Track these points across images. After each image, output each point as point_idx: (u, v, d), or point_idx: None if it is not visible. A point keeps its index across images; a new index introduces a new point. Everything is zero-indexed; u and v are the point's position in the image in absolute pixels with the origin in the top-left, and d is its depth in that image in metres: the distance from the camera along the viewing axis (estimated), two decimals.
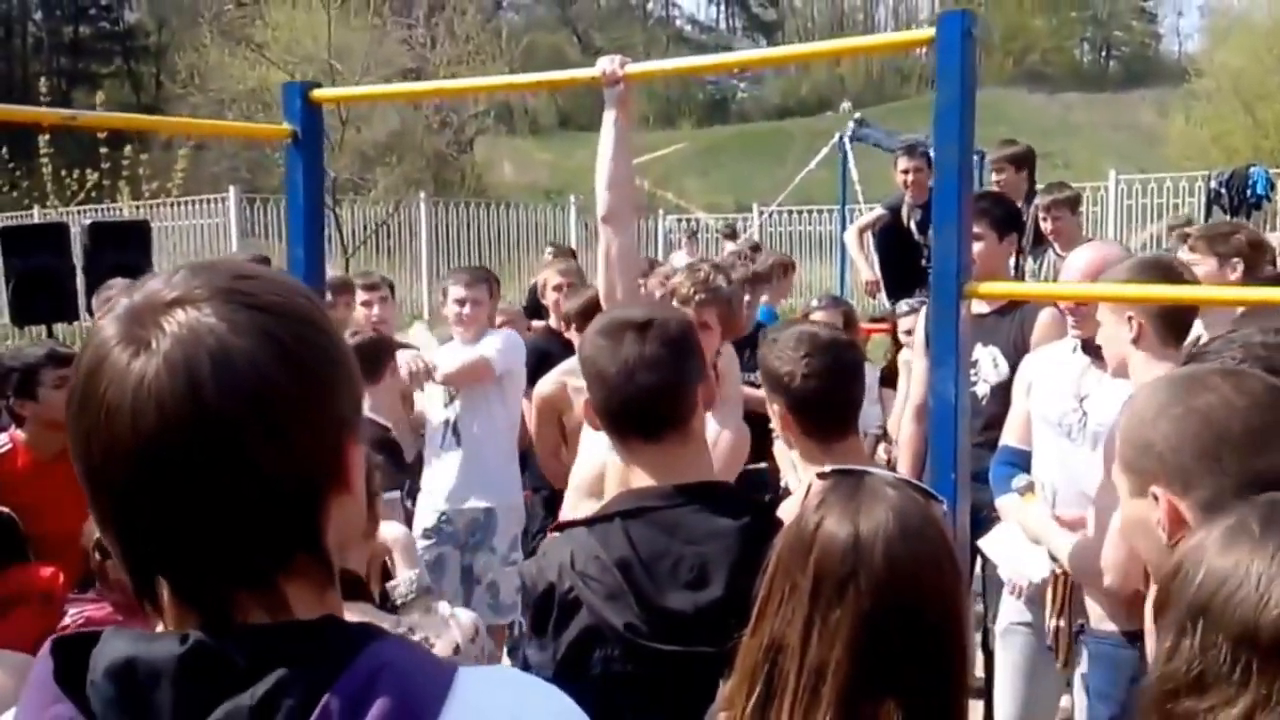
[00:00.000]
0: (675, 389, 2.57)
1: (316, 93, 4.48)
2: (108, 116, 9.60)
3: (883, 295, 9.68)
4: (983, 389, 5.12)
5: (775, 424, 3.18)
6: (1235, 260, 5.04)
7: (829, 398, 3.05)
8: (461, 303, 5.98)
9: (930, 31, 3.23)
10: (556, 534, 2.64)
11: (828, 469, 2.08)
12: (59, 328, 10.16)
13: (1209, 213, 17.08)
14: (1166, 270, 3.68)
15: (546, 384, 5.43)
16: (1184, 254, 5.20)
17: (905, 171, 8.56)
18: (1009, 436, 4.42)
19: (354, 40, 29.21)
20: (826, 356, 3.05)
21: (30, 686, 1.17)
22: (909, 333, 6.35)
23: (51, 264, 9.67)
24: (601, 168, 4.01)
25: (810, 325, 3.38)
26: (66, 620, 4.07)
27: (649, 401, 2.55)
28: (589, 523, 2.60)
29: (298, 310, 1.20)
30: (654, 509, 2.52)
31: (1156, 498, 1.93)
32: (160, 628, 1.19)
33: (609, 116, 3.99)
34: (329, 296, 6.09)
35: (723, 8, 78.18)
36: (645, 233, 22.32)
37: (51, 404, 4.50)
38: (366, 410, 4.83)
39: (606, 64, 3.95)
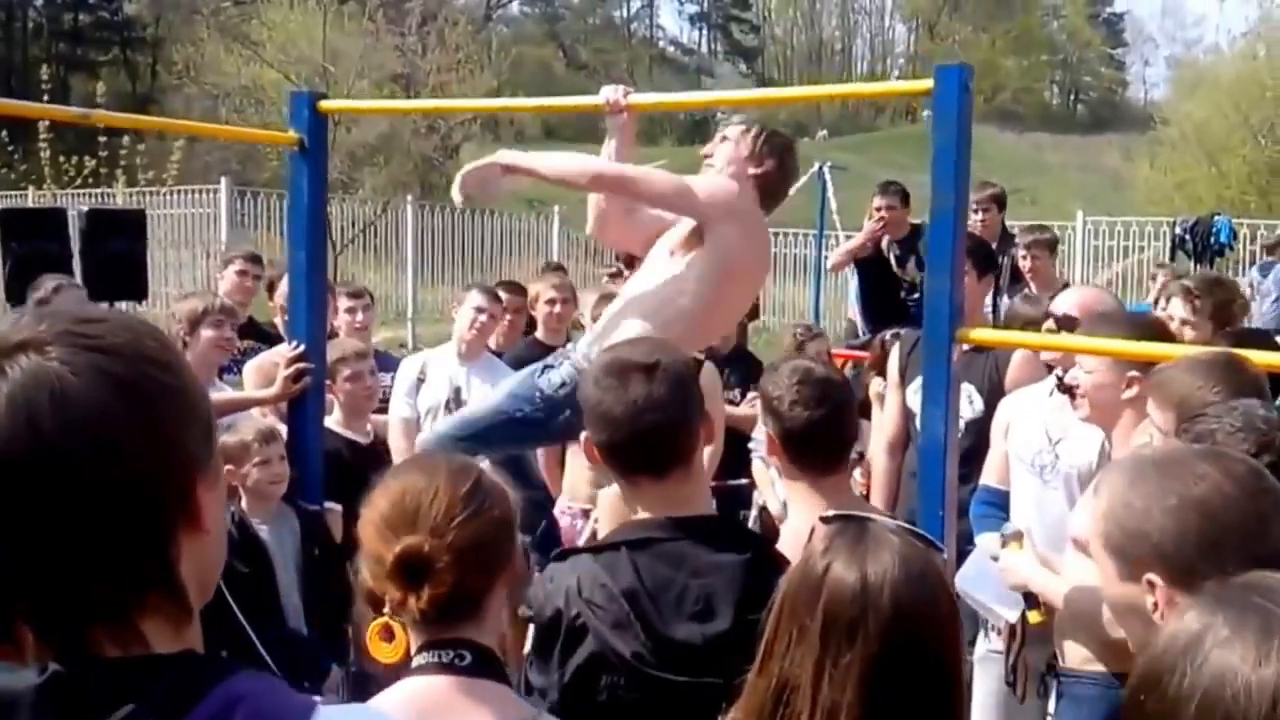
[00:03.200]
0: (680, 428, 2.63)
1: (324, 103, 4.60)
2: (120, 116, 9.81)
3: (857, 318, 9.68)
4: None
5: (764, 448, 3.27)
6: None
7: (817, 431, 3.08)
8: (480, 311, 6.05)
9: (928, 83, 3.40)
10: (561, 561, 2.65)
11: (830, 513, 2.12)
12: None
13: (1173, 258, 17.61)
14: (1164, 333, 3.79)
15: None
16: (1178, 308, 5.14)
17: (879, 209, 8.53)
18: (988, 476, 4.49)
19: (347, 45, 29.43)
20: (818, 391, 3.09)
21: None
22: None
23: (49, 248, 9.68)
24: (596, 195, 4.23)
25: (809, 361, 3.49)
26: None
27: (655, 441, 2.60)
28: (594, 550, 2.64)
29: (142, 351, 1.23)
30: (659, 540, 2.55)
31: (1153, 585, 1.95)
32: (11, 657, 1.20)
33: (609, 145, 4.14)
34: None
35: (705, 31, 78.65)
36: None
37: None
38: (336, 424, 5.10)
39: (610, 93, 4.09)
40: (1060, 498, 4.11)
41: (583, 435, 2.73)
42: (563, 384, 3.91)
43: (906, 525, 2.14)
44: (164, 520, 1.21)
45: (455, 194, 3.94)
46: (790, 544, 2.76)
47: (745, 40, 74.85)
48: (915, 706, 1.90)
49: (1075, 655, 3.58)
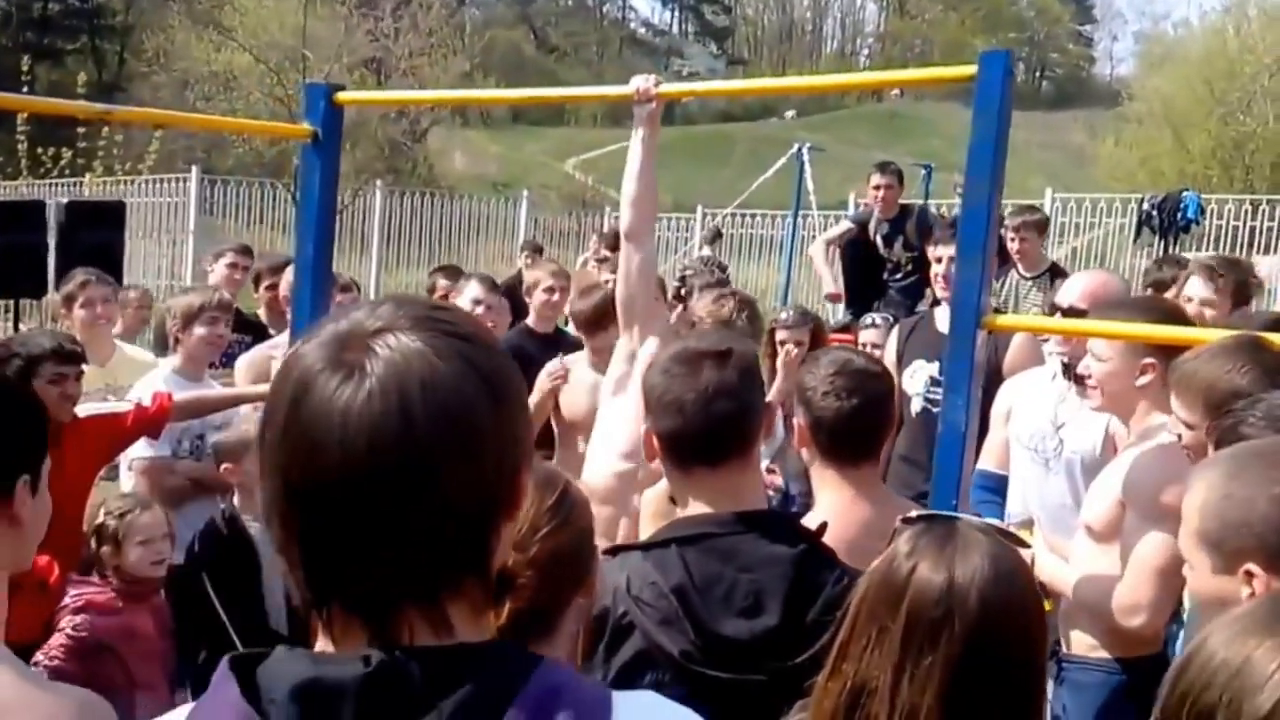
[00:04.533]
0: (750, 416, 2.58)
1: (341, 95, 4.49)
2: (139, 111, 9.69)
3: (842, 305, 9.77)
4: None
5: (795, 438, 3.16)
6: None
7: (847, 422, 3.01)
8: (478, 303, 5.92)
9: (971, 69, 3.26)
10: (610, 557, 2.57)
11: (914, 514, 2.07)
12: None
13: (1138, 233, 17.73)
14: (1181, 316, 3.69)
15: (551, 368, 5.49)
16: (1198, 287, 5.17)
17: (878, 188, 8.69)
18: (986, 461, 4.46)
19: (320, 29, 29.34)
20: (853, 382, 3.02)
21: (212, 705, 1.19)
22: (877, 346, 6.36)
23: (28, 240, 9.65)
24: (628, 184, 4.07)
25: (849, 351, 3.41)
26: (66, 599, 4.23)
27: (725, 428, 2.55)
28: (644, 547, 2.59)
29: (487, 338, 1.26)
30: (710, 535, 2.50)
31: (1251, 575, 1.94)
32: (322, 643, 1.23)
33: (638, 134, 4.04)
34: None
35: (676, 12, 78.47)
36: (587, 226, 22.59)
37: (42, 396, 4.21)
38: None
39: (640, 82, 4.01)
40: (1062, 483, 4.08)
41: (642, 427, 2.67)
42: None
43: (993, 523, 2.10)
44: (498, 507, 1.23)
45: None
46: (841, 538, 2.71)
47: (716, 21, 74.78)
48: (997, 708, 1.87)
49: (1080, 643, 3.57)
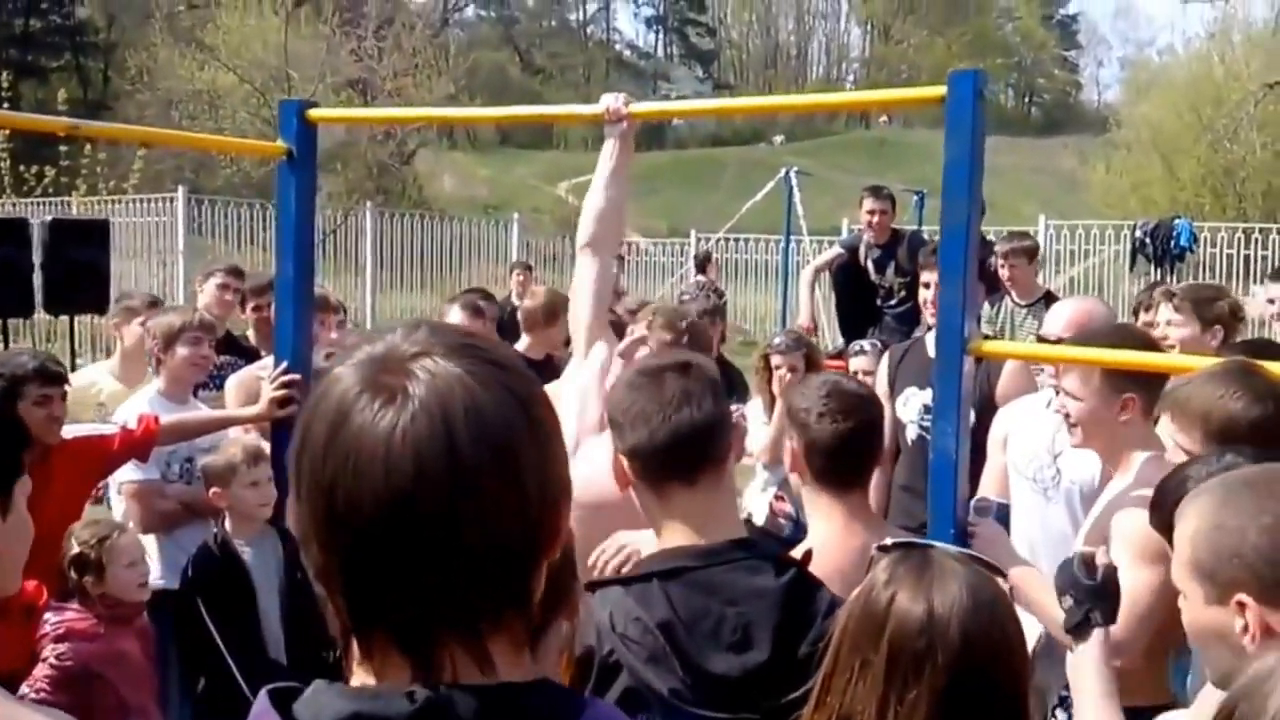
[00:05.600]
0: (716, 426, 2.52)
1: (313, 112, 4.46)
2: (107, 127, 9.64)
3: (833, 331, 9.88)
4: None
5: (787, 462, 3.13)
6: (1217, 327, 5.04)
7: (842, 444, 2.98)
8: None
9: (941, 90, 3.26)
10: (590, 594, 2.50)
11: (888, 542, 2.05)
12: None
13: (1134, 261, 17.79)
14: (1151, 344, 3.66)
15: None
16: (1165, 313, 5.22)
17: (871, 212, 8.65)
18: (986, 489, 4.30)
19: (304, 49, 29.34)
20: (846, 404, 3.00)
21: None
22: (869, 373, 6.31)
23: (13, 258, 9.47)
24: (593, 199, 4.00)
25: (840, 376, 3.41)
26: (46, 629, 4.10)
27: (694, 436, 2.49)
28: (625, 582, 2.52)
29: (525, 370, 1.24)
30: (692, 569, 2.43)
31: (1243, 606, 1.90)
32: (360, 676, 1.21)
33: (608, 148, 3.99)
34: None
35: (661, 35, 78.77)
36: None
37: (28, 419, 4.18)
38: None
39: (611, 101, 3.97)
40: (1062, 513, 4.03)
41: (611, 453, 2.61)
42: None
43: (969, 552, 2.10)
44: (540, 537, 1.21)
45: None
46: (812, 563, 2.65)
47: (701, 44, 75.10)
48: None
49: None
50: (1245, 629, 1.90)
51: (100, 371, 5.74)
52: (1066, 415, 3.54)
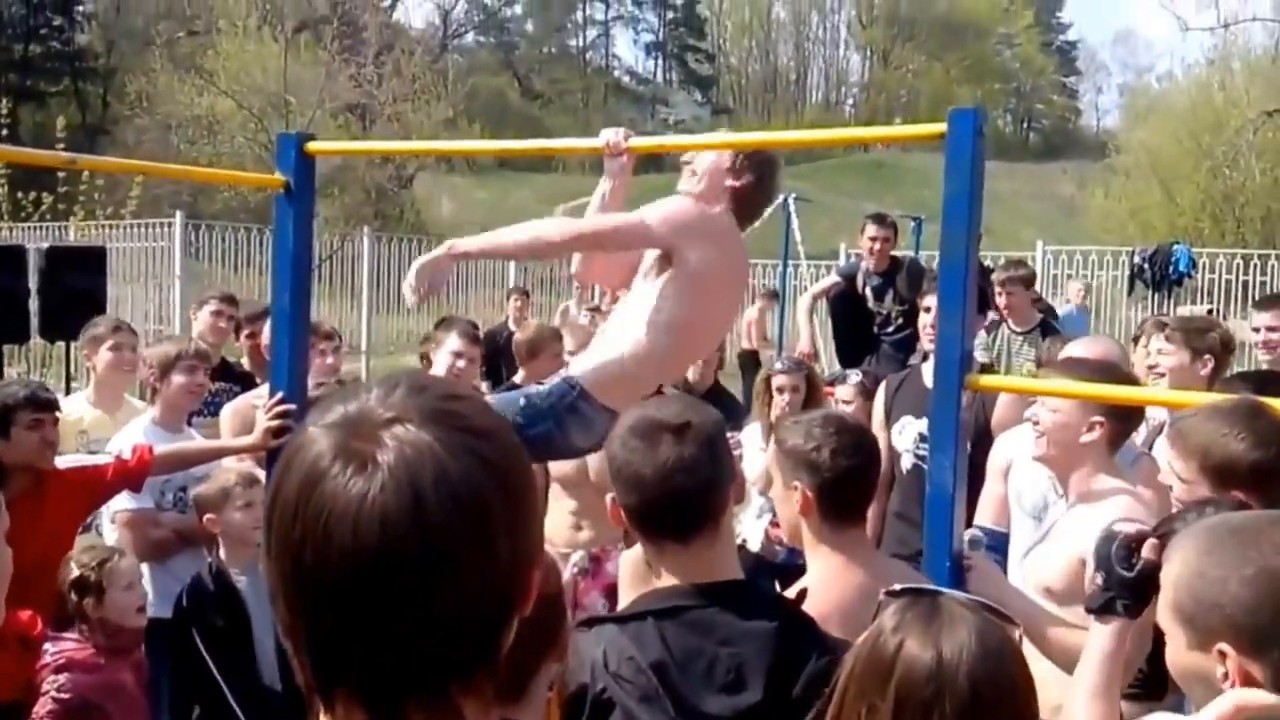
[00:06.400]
0: (712, 491, 2.51)
1: (311, 145, 4.46)
2: (105, 161, 9.69)
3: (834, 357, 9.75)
4: None
5: (784, 510, 3.08)
6: (1208, 357, 5.07)
7: (854, 479, 2.98)
8: (459, 355, 5.91)
9: (941, 127, 3.26)
10: (584, 631, 2.52)
11: (896, 587, 2.04)
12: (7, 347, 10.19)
13: (1132, 287, 17.80)
14: (1130, 381, 3.75)
15: None
16: (1156, 342, 5.28)
17: (873, 239, 8.63)
18: (983, 517, 4.38)
19: (303, 74, 29.42)
20: (853, 439, 3.00)
21: None
22: (848, 402, 6.43)
23: (8, 285, 9.66)
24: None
25: (834, 411, 3.40)
26: (46, 659, 4.12)
27: (686, 504, 2.48)
28: (620, 620, 2.52)
29: (503, 436, 1.25)
30: (687, 608, 2.44)
31: (1224, 655, 1.91)
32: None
33: (604, 185, 4.07)
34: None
35: (660, 61, 78.97)
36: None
37: (22, 445, 4.43)
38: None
39: (611, 135, 3.98)
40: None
41: (608, 498, 2.59)
42: (549, 394, 3.86)
43: (978, 599, 2.08)
44: (510, 601, 1.22)
45: (408, 294, 3.80)
46: (814, 601, 2.67)
47: (700, 69, 75.19)
48: None
49: None
50: (1225, 676, 1.91)
51: (78, 400, 5.76)
52: (1036, 423, 3.64)
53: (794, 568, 4.93)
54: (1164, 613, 2.06)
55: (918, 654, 1.87)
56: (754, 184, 4.03)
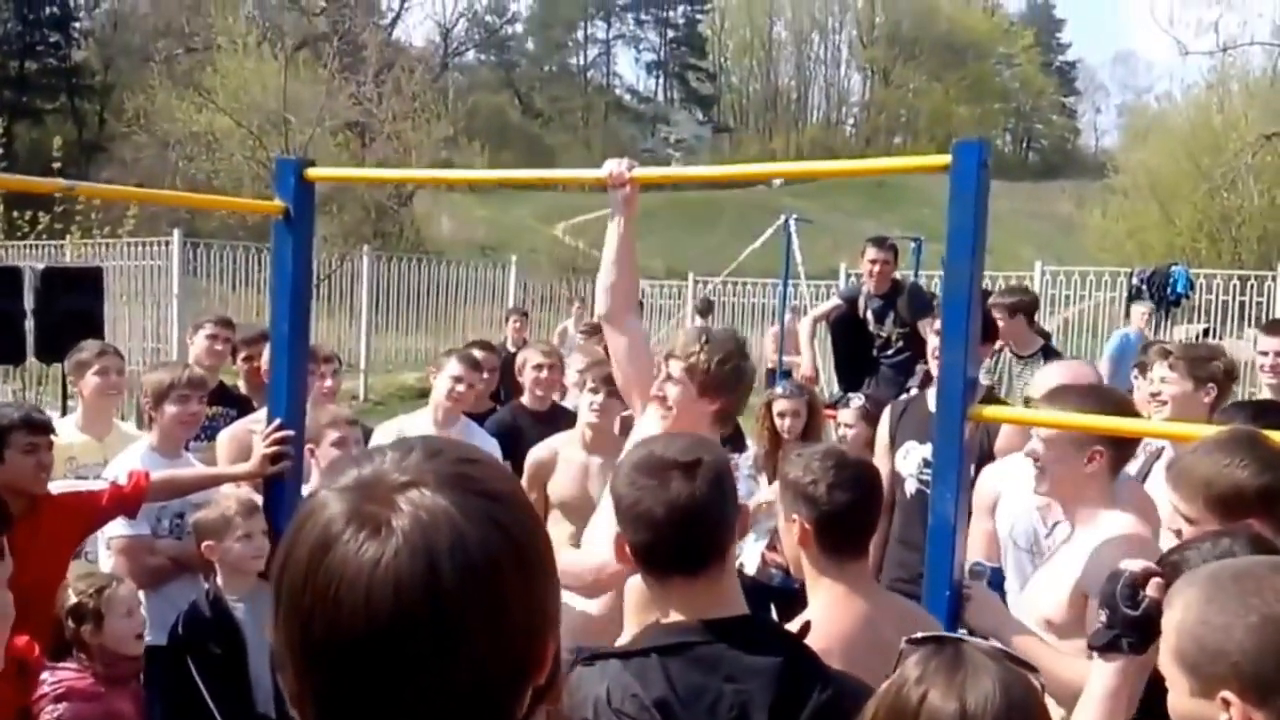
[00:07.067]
0: (722, 528, 2.52)
1: (311, 171, 4.42)
2: (105, 189, 9.69)
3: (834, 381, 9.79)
4: None
5: (786, 541, 3.09)
6: (1210, 385, 5.04)
7: (852, 512, 2.97)
8: (458, 380, 5.95)
9: (945, 159, 3.28)
10: (588, 666, 2.49)
11: (919, 635, 2.04)
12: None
13: (1129, 310, 17.79)
14: (1127, 406, 3.69)
15: (540, 450, 5.46)
16: (1159, 370, 5.23)
17: (874, 262, 8.63)
18: (976, 551, 4.30)
19: (303, 92, 29.44)
20: (853, 473, 2.99)
21: None
22: (850, 426, 6.46)
23: (4, 306, 9.62)
24: (605, 271, 4.05)
25: (834, 445, 3.36)
26: (45, 689, 4.07)
27: (697, 542, 2.49)
28: (623, 656, 2.50)
29: (519, 500, 1.23)
30: (692, 644, 2.43)
31: (1228, 703, 1.91)
32: None
33: (615, 222, 4.04)
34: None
35: (661, 79, 79.13)
36: (577, 291, 22.63)
37: (16, 468, 4.36)
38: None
39: (614, 166, 3.94)
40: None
41: (613, 534, 2.60)
42: None
43: (1000, 647, 2.06)
44: (524, 670, 1.20)
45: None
46: (814, 634, 2.67)
47: (701, 88, 75.39)
48: None
49: None
50: None
51: (66, 426, 5.75)
52: (1036, 459, 3.57)
53: (790, 591, 4.93)
54: (1166, 659, 2.05)
55: (941, 705, 1.86)
56: (730, 394, 3.94)
